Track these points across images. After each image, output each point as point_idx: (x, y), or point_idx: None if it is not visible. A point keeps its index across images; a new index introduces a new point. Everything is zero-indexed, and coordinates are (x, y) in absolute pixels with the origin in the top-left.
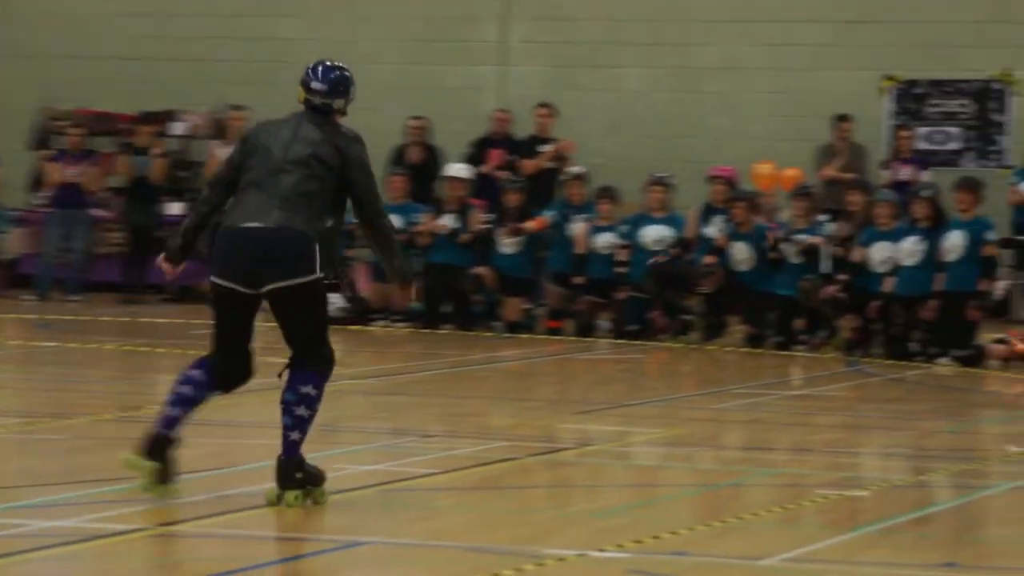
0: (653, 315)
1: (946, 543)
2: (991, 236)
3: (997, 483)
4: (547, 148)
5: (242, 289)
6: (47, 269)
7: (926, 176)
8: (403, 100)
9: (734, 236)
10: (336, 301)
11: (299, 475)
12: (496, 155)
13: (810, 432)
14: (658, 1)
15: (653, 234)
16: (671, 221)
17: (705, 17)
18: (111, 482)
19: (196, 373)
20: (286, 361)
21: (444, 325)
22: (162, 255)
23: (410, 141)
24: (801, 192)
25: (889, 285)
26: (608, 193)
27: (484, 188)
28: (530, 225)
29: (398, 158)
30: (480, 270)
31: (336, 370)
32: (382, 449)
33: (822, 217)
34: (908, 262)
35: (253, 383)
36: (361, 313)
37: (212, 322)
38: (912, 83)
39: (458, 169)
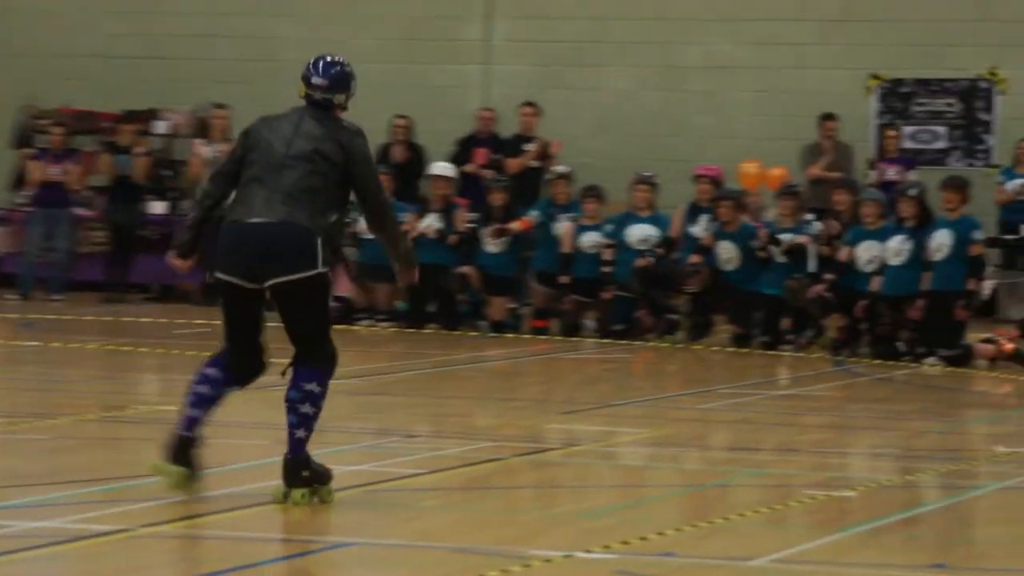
0: (639, 315)
1: (934, 544)
2: (978, 235)
3: (985, 483)
4: (531, 147)
5: (245, 284)
6: (29, 268)
7: (913, 175)
8: (387, 99)
9: (720, 235)
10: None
11: (306, 473)
12: (481, 154)
13: (797, 432)
14: (643, 0)
15: (638, 233)
16: (656, 220)
17: (690, 16)
18: (95, 482)
19: (212, 371)
20: (287, 360)
21: (429, 325)
22: (172, 252)
23: (394, 140)
24: (787, 191)
25: (876, 284)
26: (593, 192)
27: (469, 187)
28: (515, 226)
29: (382, 157)
30: (465, 269)
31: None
32: (367, 450)
33: (808, 216)
34: (895, 261)
35: None
36: (345, 313)
37: (221, 318)
38: (898, 82)
39: (442, 168)
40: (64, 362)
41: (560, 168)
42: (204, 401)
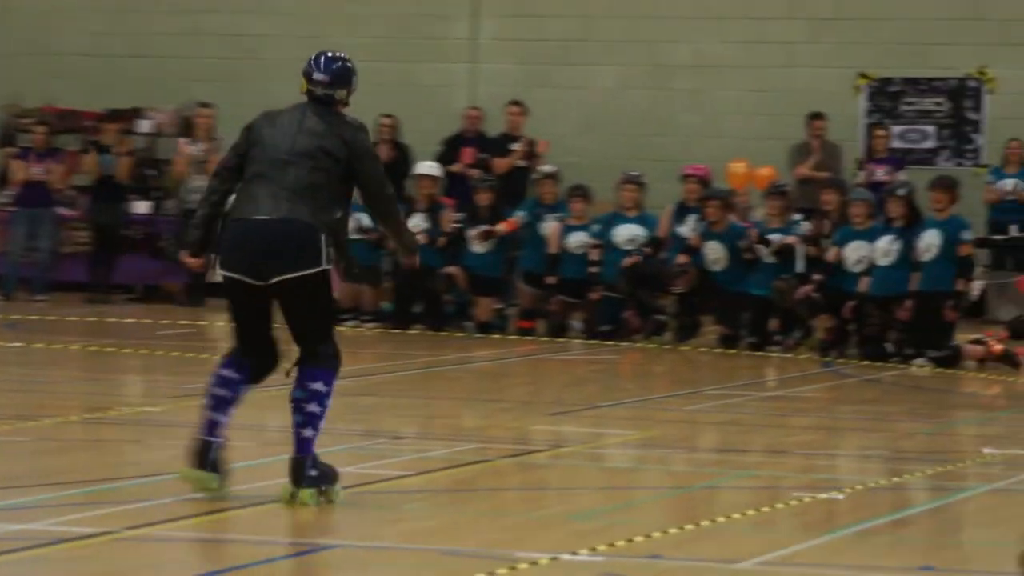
0: (626, 315)
1: (923, 546)
2: (967, 235)
3: (974, 485)
4: (518, 146)
5: (250, 280)
6: (12, 268)
7: (902, 175)
8: (373, 98)
9: (707, 235)
10: None
11: (313, 473)
12: (468, 153)
13: (785, 434)
14: None
15: (626, 233)
16: (644, 220)
17: (678, 14)
18: (78, 484)
19: (227, 372)
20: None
21: (415, 325)
22: (184, 252)
23: (380, 139)
24: (775, 191)
25: (864, 285)
26: (580, 192)
27: (455, 187)
28: (501, 227)
29: None
30: (451, 270)
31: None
32: (353, 451)
33: (796, 216)
34: (883, 262)
35: None
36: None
37: (230, 316)
38: (886, 81)
39: (428, 167)
40: (47, 363)
41: (547, 168)
42: (223, 403)
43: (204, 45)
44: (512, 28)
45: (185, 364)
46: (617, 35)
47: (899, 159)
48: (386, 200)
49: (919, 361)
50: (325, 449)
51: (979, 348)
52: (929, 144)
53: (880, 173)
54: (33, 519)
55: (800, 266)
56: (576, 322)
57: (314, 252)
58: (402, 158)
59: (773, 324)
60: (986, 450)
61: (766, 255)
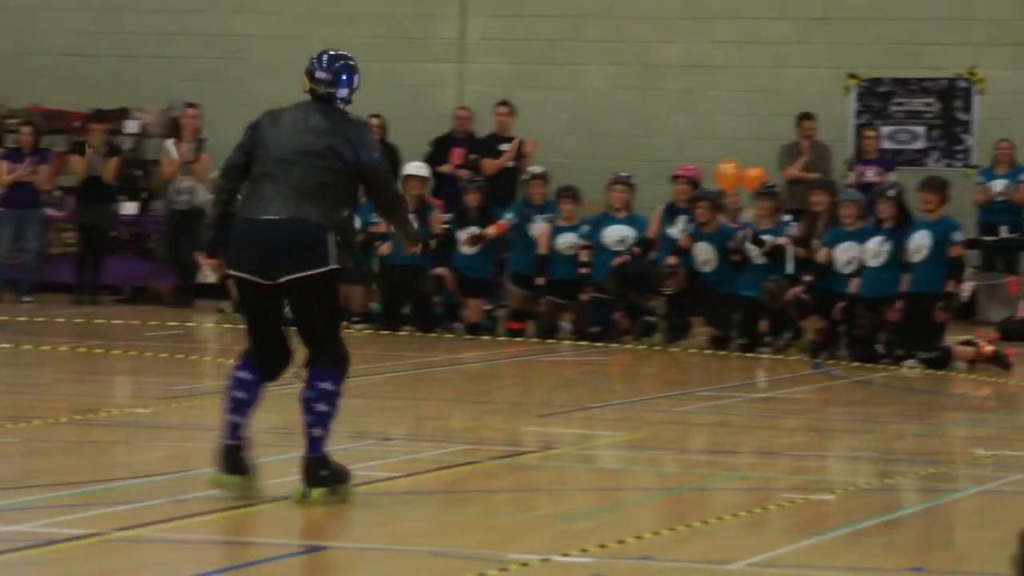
0: (616, 317)
1: (913, 547)
2: (957, 236)
3: (964, 487)
4: (507, 147)
5: (258, 280)
6: (0, 270)
7: (892, 176)
8: (360, 97)
9: (697, 236)
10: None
11: (324, 472)
12: (457, 154)
13: (775, 435)
14: None
15: (615, 234)
16: (633, 221)
17: (667, 14)
18: (67, 486)
19: (243, 374)
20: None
21: (404, 327)
22: (201, 253)
23: None
24: (765, 192)
25: (854, 286)
26: (569, 193)
27: (443, 187)
28: (491, 231)
29: None
30: (440, 271)
31: (293, 372)
32: (342, 452)
33: (786, 217)
34: (873, 263)
35: (211, 385)
36: None
37: (242, 316)
38: (876, 81)
39: (416, 168)
40: (35, 364)
41: (536, 168)
42: (242, 405)
43: (190, 45)
44: (500, 28)
45: (174, 365)
46: (606, 35)
47: (889, 160)
48: (392, 197)
49: (909, 362)
50: None
51: (969, 349)
52: (919, 145)
53: (870, 174)
54: (22, 520)
55: (790, 267)
56: (565, 323)
57: (322, 252)
58: (390, 159)
59: (763, 325)
60: (977, 451)
61: (757, 256)
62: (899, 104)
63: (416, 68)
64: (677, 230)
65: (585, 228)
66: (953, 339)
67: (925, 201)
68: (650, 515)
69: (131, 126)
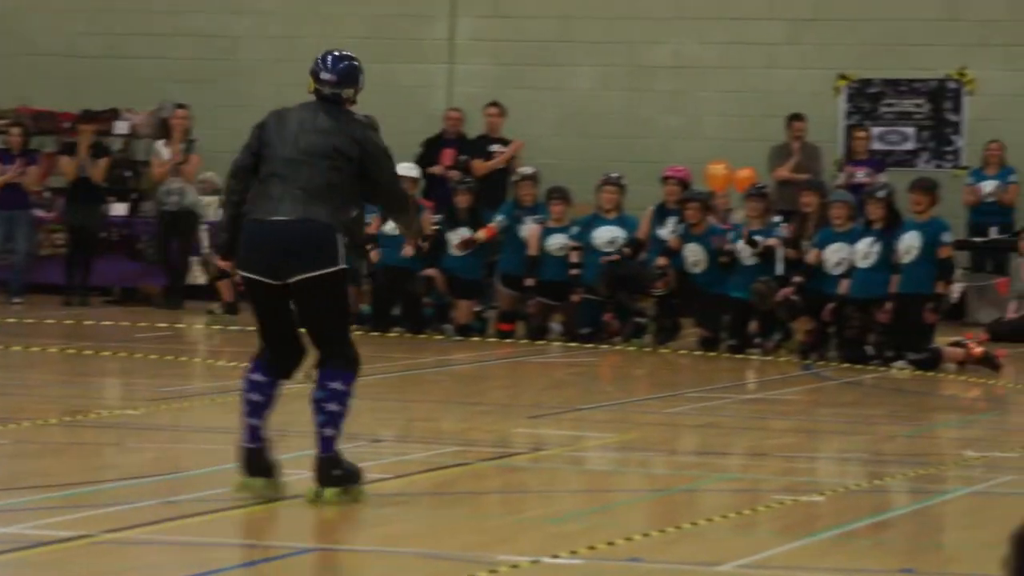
0: (606, 318)
1: (903, 549)
2: (947, 238)
3: (954, 488)
4: (498, 148)
5: (268, 280)
6: None
7: (882, 177)
8: None
9: (687, 237)
10: None
11: (337, 472)
12: (448, 155)
13: (765, 436)
14: None
15: (605, 235)
16: (623, 222)
17: (657, 15)
18: (57, 487)
19: (256, 376)
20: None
21: (394, 328)
22: (218, 256)
23: None
24: (756, 193)
25: (844, 287)
26: (559, 194)
27: (434, 188)
28: (481, 235)
29: None
30: (430, 272)
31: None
32: None
33: (776, 218)
34: (863, 264)
35: (201, 387)
36: None
37: (253, 317)
38: (866, 82)
39: (406, 168)
40: (25, 366)
41: (526, 169)
42: (259, 408)
43: (180, 46)
44: (490, 28)
45: (163, 367)
46: (596, 36)
47: (879, 161)
48: (399, 197)
49: (899, 364)
50: (304, 452)
51: (959, 350)
52: (909, 146)
53: (860, 175)
54: (12, 522)
55: (780, 268)
56: (555, 325)
57: (331, 252)
58: None
59: (753, 327)
60: (967, 453)
61: (749, 257)
62: (889, 105)
63: (406, 69)
64: (667, 231)
65: (575, 229)
66: (943, 340)
67: (915, 202)
68: (640, 516)
69: (121, 127)
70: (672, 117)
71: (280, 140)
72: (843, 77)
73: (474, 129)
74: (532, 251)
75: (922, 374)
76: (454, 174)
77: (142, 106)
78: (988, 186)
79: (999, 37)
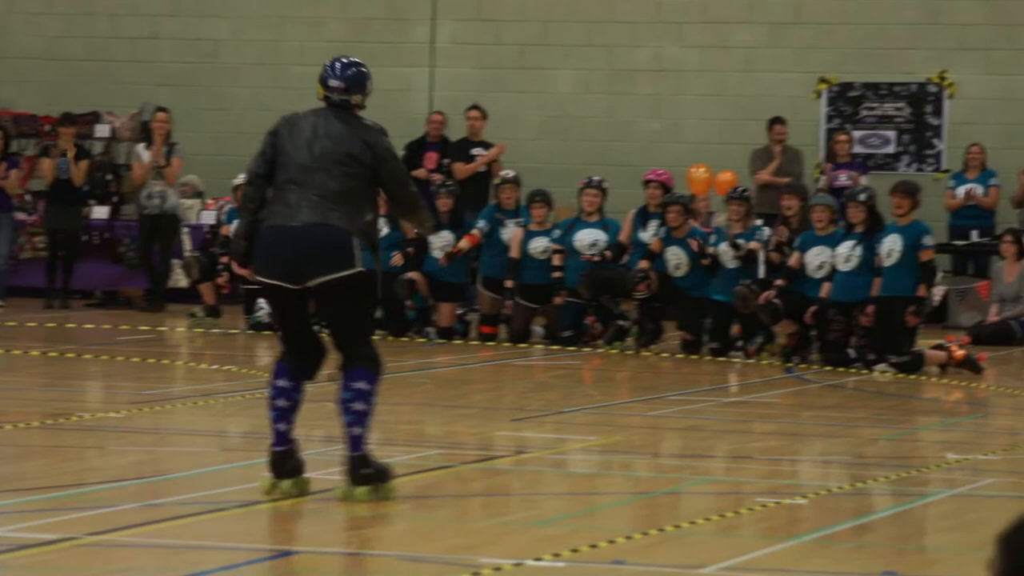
0: (589, 321)
1: (885, 551)
2: (928, 241)
3: (936, 491)
4: (479, 151)
5: (287, 285)
6: None
7: (863, 180)
8: None
9: (668, 241)
10: (265, 307)
11: (367, 470)
12: (431, 158)
13: (747, 439)
14: (588, 2)
15: (587, 238)
16: (605, 225)
17: (637, 18)
18: (39, 490)
19: (281, 382)
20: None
21: (376, 331)
22: (234, 263)
23: None
24: (737, 196)
25: (826, 290)
26: (541, 197)
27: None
28: (464, 244)
29: None
30: (413, 275)
31: (264, 377)
32: (314, 457)
33: (758, 221)
34: (845, 267)
35: (183, 390)
36: None
37: (273, 323)
38: (847, 86)
39: None
40: (6, 369)
41: (507, 173)
42: (286, 412)
43: (161, 49)
44: (470, 32)
45: (145, 370)
46: (576, 39)
47: (860, 164)
48: (411, 199)
49: (881, 367)
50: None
51: (941, 354)
52: (890, 149)
53: (841, 178)
54: None
55: (762, 271)
56: (538, 328)
57: (348, 255)
58: None
59: (735, 330)
60: (949, 455)
61: (731, 260)
62: (870, 108)
63: (387, 72)
64: (649, 234)
65: (557, 232)
66: (925, 343)
67: (896, 205)
68: (623, 519)
69: (102, 130)
70: (653, 121)
71: (294, 147)
72: (824, 80)
73: (456, 133)
74: (514, 254)
75: (904, 377)
76: (436, 177)
77: (123, 109)
78: (970, 189)
79: (979, 41)
